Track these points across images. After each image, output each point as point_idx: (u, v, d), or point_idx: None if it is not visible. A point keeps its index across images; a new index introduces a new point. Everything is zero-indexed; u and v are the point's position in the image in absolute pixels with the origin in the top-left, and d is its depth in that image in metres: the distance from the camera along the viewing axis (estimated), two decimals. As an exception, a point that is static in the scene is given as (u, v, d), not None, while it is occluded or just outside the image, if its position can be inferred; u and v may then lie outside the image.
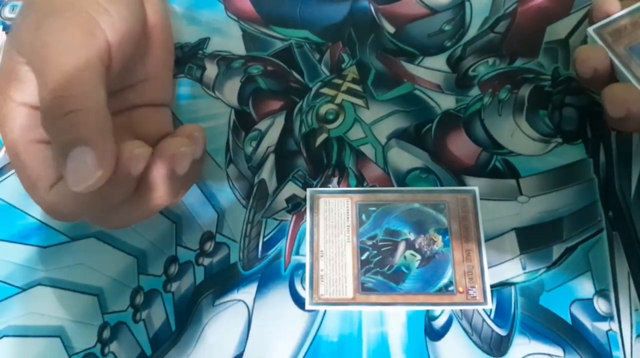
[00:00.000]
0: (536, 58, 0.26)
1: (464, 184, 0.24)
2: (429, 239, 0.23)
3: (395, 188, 0.24)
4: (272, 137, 0.25)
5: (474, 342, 0.21)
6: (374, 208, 0.23)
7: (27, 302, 0.22)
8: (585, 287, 0.22)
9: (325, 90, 0.26)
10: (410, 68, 0.26)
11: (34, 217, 0.24)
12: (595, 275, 0.22)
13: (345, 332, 0.21)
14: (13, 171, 0.25)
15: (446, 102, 0.25)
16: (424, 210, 0.23)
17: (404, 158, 0.24)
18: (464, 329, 0.21)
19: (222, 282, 0.22)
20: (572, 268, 0.22)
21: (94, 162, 0.17)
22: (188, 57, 0.27)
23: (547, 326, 0.21)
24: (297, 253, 0.23)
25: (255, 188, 0.24)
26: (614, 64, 0.22)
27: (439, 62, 0.26)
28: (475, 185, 0.23)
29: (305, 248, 0.23)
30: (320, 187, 0.24)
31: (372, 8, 0.27)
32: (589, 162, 0.24)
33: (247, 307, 0.22)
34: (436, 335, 0.21)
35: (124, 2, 0.19)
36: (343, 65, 0.26)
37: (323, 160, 0.24)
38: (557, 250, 0.22)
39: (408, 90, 0.25)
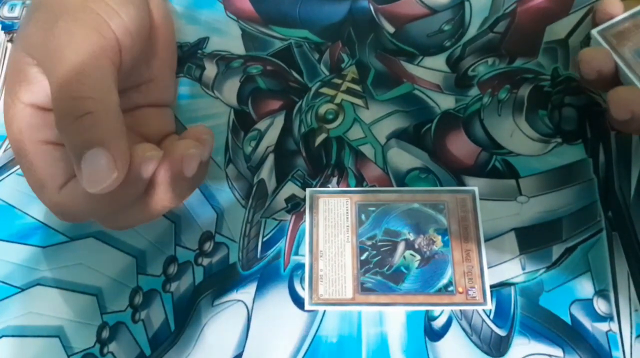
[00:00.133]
0: (536, 58, 0.26)
1: (463, 184, 0.24)
2: (429, 239, 0.23)
3: (395, 188, 0.24)
4: (271, 137, 0.25)
5: (473, 342, 0.21)
6: (373, 209, 0.23)
7: (26, 302, 0.22)
8: (584, 288, 0.22)
9: (324, 90, 0.26)
10: (410, 68, 0.26)
11: (33, 217, 0.24)
12: (595, 275, 0.22)
13: (345, 332, 0.21)
14: (12, 171, 0.25)
15: (446, 102, 0.25)
16: (423, 210, 0.23)
17: (403, 158, 0.24)
18: (464, 329, 0.21)
19: (222, 282, 0.22)
20: (571, 268, 0.22)
21: (110, 163, 0.17)
22: (187, 57, 0.26)
23: (546, 326, 0.21)
24: (297, 253, 0.23)
25: (254, 188, 0.24)
26: (618, 66, 0.22)
27: (438, 62, 0.26)
28: (475, 185, 0.23)
29: (305, 248, 0.23)
30: (320, 187, 0.24)
31: (371, 8, 0.27)
32: (588, 162, 0.24)
33: (247, 307, 0.22)
34: (436, 335, 0.21)
35: (133, 4, 0.19)
36: (342, 65, 0.26)
37: (322, 160, 0.24)
38: (556, 251, 0.22)
39: (407, 90, 0.25)
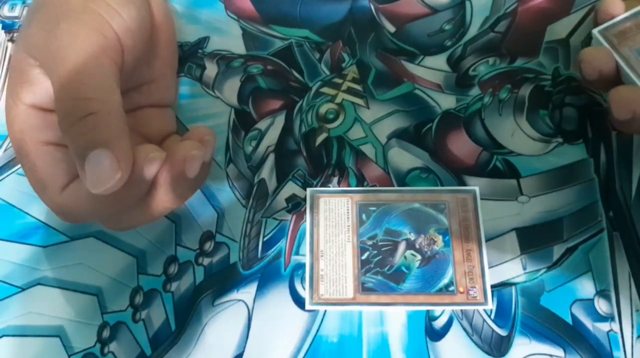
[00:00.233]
0: (536, 58, 0.26)
1: (464, 184, 0.24)
2: (429, 239, 0.22)
3: (396, 188, 0.24)
4: (272, 137, 0.25)
5: (474, 342, 0.21)
6: (374, 208, 0.23)
7: (27, 302, 0.22)
8: (585, 287, 0.22)
9: (325, 89, 0.26)
10: (411, 67, 0.26)
11: (33, 217, 0.24)
12: (596, 275, 0.22)
13: (345, 332, 0.21)
14: (12, 170, 0.25)
15: (446, 101, 0.25)
16: (424, 210, 0.23)
17: (404, 158, 0.24)
18: (465, 329, 0.21)
19: (222, 281, 0.22)
20: (572, 268, 0.22)
21: (113, 164, 0.17)
22: (188, 56, 0.26)
23: (547, 326, 0.21)
24: (297, 253, 0.23)
25: (255, 188, 0.24)
26: (619, 66, 0.22)
27: (439, 61, 0.26)
28: (476, 185, 0.23)
29: (305, 248, 0.23)
30: (320, 186, 0.24)
31: (372, 7, 0.27)
32: (589, 162, 0.24)
33: (247, 306, 0.22)
34: (436, 335, 0.21)
35: (133, 4, 0.19)
36: (343, 65, 0.26)
37: (323, 159, 0.24)
38: (557, 250, 0.22)
39: (408, 90, 0.25)
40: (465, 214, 0.23)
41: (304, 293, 0.22)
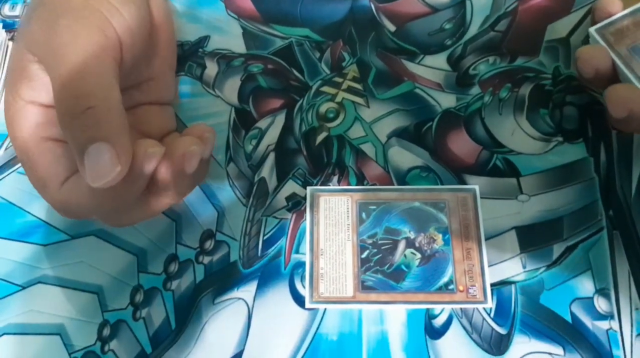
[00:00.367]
0: (537, 57, 0.26)
1: (464, 183, 0.24)
2: (429, 238, 0.23)
3: (396, 186, 0.24)
4: (272, 136, 0.25)
5: (474, 340, 0.21)
6: (374, 207, 0.23)
7: (27, 300, 0.22)
8: (585, 286, 0.22)
9: (325, 88, 0.26)
10: (411, 66, 0.26)
11: (33, 215, 0.24)
12: (596, 274, 0.22)
13: (345, 330, 0.21)
14: (13, 169, 0.25)
15: (447, 100, 0.25)
16: (424, 209, 0.23)
17: (404, 156, 0.24)
18: (464, 328, 0.21)
19: (222, 280, 0.22)
20: (572, 267, 0.22)
21: (113, 158, 0.17)
22: (188, 55, 0.26)
23: (547, 325, 0.21)
24: (297, 251, 0.23)
25: (255, 187, 0.24)
26: (615, 64, 0.22)
27: (439, 60, 0.26)
28: (476, 184, 0.23)
29: (305, 246, 0.23)
30: (321, 185, 0.24)
31: (372, 6, 0.27)
32: (589, 161, 0.24)
33: (247, 305, 0.22)
34: (436, 333, 0.21)
35: (133, 3, 0.19)
36: (343, 64, 0.26)
37: (323, 158, 0.24)
38: (557, 249, 0.22)
39: (408, 89, 0.25)
40: (465, 213, 0.23)
41: (304, 291, 0.22)
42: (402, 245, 0.22)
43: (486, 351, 0.21)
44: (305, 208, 0.23)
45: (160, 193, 0.19)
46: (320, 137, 0.25)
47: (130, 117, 0.21)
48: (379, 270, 0.22)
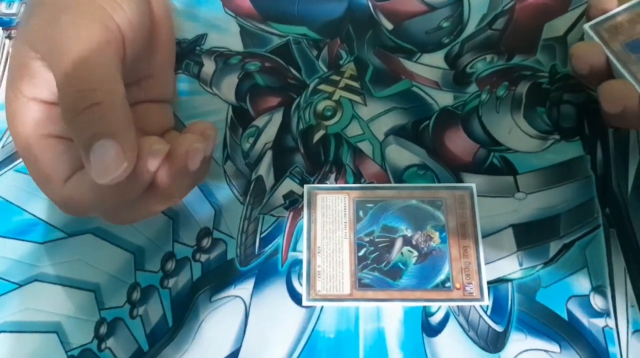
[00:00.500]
0: (534, 55, 0.26)
1: (461, 181, 0.24)
2: (426, 236, 0.23)
3: (393, 184, 0.24)
4: (269, 134, 0.25)
5: (470, 338, 0.21)
6: (371, 205, 0.23)
7: (24, 298, 0.22)
8: (581, 284, 0.22)
9: (322, 86, 0.26)
10: (408, 65, 0.26)
11: (31, 213, 0.24)
12: (592, 271, 0.22)
13: (342, 327, 0.21)
14: (10, 167, 0.25)
15: (444, 98, 0.25)
16: (421, 207, 0.23)
17: (401, 155, 0.24)
18: (461, 325, 0.21)
19: (219, 278, 0.22)
20: (568, 264, 0.22)
21: (119, 154, 0.17)
22: (186, 53, 0.26)
23: (543, 322, 0.21)
24: (294, 249, 0.23)
25: (252, 185, 0.24)
26: (610, 60, 0.22)
27: (436, 58, 0.26)
28: (473, 182, 0.23)
29: (303, 244, 0.23)
30: (318, 183, 0.24)
31: (370, 4, 0.27)
32: (586, 159, 0.24)
33: (244, 303, 0.22)
34: (433, 331, 0.21)
35: (135, 0, 0.19)
36: (341, 62, 0.26)
37: (320, 156, 0.24)
38: (554, 247, 0.22)
39: (406, 87, 0.25)
40: (462, 211, 0.23)
41: (301, 289, 0.22)
42: (399, 243, 0.22)
43: (483, 348, 0.21)
44: (302, 207, 0.23)
45: (164, 190, 0.19)
46: (317, 135, 0.25)
47: None
48: (376, 267, 0.22)
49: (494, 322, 0.21)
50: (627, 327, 0.21)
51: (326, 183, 0.24)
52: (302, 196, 0.23)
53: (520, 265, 0.22)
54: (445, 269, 0.22)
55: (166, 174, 0.19)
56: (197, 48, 0.27)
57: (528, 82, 0.25)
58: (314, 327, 0.21)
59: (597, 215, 0.23)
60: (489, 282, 0.22)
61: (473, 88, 0.25)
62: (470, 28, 0.26)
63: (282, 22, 0.27)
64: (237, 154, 0.25)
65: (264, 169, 0.24)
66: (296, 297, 0.22)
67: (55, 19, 0.18)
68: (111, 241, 0.23)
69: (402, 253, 0.22)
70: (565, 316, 0.21)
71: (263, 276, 0.22)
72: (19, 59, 0.19)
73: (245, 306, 0.22)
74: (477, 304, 0.21)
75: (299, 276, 0.22)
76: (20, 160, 0.24)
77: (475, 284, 0.22)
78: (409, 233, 0.23)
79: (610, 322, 0.21)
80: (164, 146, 0.18)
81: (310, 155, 0.24)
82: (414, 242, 0.22)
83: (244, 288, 0.22)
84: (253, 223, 0.23)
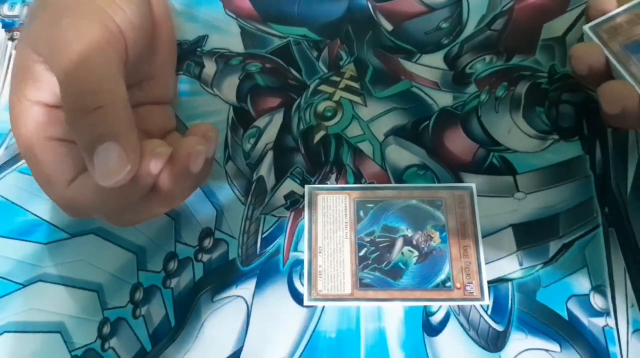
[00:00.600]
0: (533, 56, 0.26)
1: (461, 181, 0.24)
2: (427, 236, 0.23)
3: (393, 185, 0.24)
4: (270, 134, 0.25)
5: (471, 337, 0.21)
6: (372, 205, 0.23)
7: (28, 298, 0.22)
8: (582, 283, 0.22)
9: (323, 87, 0.26)
10: (408, 66, 0.26)
11: (34, 214, 0.24)
12: (592, 271, 0.22)
13: (344, 327, 0.21)
14: (13, 168, 0.25)
15: (444, 99, 0.25)
16: (421, 207, 0.23)
17: (401, 155, 0.24)
18: (462, 325, 0.21)
19: (221, 278, 0.22)
20: (568, 264, 0.22)
21: (122, 157, 0.17)
22: (187, 55, 0.27)
23: (544, 322, 0.21)
24: (296, 249, 0.23)
25: (254, 185, 0.24)
26: (609, 61, 0.22)
27: (436, 59, 0.26)
28: (473, 182, 0.24)
29: (304, 244, 0.23)
30: (319, 184, 0.24)
31: (370, 6, 0.27)
32: (585, 159, 0.24)
33: (246, 303, 0.22)
34: (434, 330, 0.21)
35: (136, 2, 0.19)
36: (341, 63, 0.26)
37: (321, 157, 0.24)
38: (554, 247, 0.22)
39: (406, 88, 0.26)
40: (463, 211, 0.23)
41: (303, 289, 0.22)
42: (399, 243, 0.23)
43: (483, 348, 0.21)
44: (303, 207, 0.23)
45: (167, 193, 0.19)
46: (318, 136, 0.25)
47: None
48: (377, 268, 0.22)
49: (495, 321, 0.21)
50: (628, 326, 0.21)
51: (327, 184, 0.24)
52: (303, 197, 0.24)
53: (521, 265, 0.22)
54: (446, 269, 0.22)
55: (168, 177, 0.19)
56: (199, 49, 0.27)
57: (527, 82, 0.25)
58: (316, 326, 0.21)
59: (597, 215, 0.23)
60: (489, 282, 0.22)
61: (472, 88, 0.26)
62: (469, 29, 0.27)
63: (282, 23, 0.27)
64: (239, 154, 0.25)
65: (265, 169, 0.24)
66: (298, 297, 0.22)
67: (56, 21, 0.18)
68: (114, 242, 0.23)
69: (402, 254, 0.22)
70: (565, 316, 0.21)
71: (265, 276, 0.22)
72: (22, 62, 0.19)
73: (247, 306, 0.22)
74: (477, 304, 0.22)
75: (301, 276, 0.22)
76: (24, 161, 0.24)
77: (475, 284, 0.22)
78: (409, 233, 0.23)
79: (611, 322, 0.21)
80: (166, 149, 0.19)
81: (311, 156, 0.24)
82: (414, 242, 0.23)
83: (246, 289, 0.22)
84: (255, 223, 0.23)
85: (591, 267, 0.22)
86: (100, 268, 0.23)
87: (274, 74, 0.26)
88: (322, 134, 0.25)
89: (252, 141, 0.25)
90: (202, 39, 0.27)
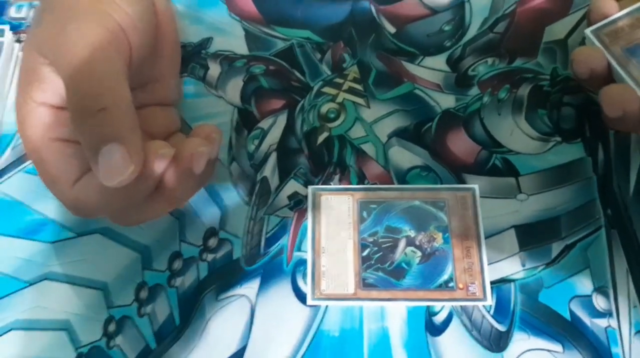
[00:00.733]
0: (535, 58, 0.26)
1: (463, 182, 0.24)
2: (429, 236, 0.23)
3: (396, 186, 0.24)
4: (274, 136, 0.25)
5: (473, 337, 0.21)
6: (374, 206, 0.23)
7: (34, 296, 0.22)
8: (584, 284, 0.22)
9: (326, 89, 0.26)
10: (411, 68, 0.26)
11: (40, 213, 0.24)
12: (594, 272, 0.22)
13: (347, 326, 0.21)
14: (20, 168, 0.25)
15: (446, 101, 0.25)
16: (424, 208, 0.23)
17: (404, 156, 0.24)
18: (464, 325, 0.21)
19: (225, 277, 0.23)
20: (570, 265, 0.22)
21: (126, 157, 0.17)
22: (191, 57, 0.27)
23: (546, 322, 0.21)
24: (299, 249, 0.23)
25: (257, 186, 0.24)
26: (610, 64, 0.22)
27: (438, 61, 0.26)
28: (475, 183, 0.24)
29: (307, 244, 0.23)
30: (322, 184, 0.24)
31: (372, 8, 0.27)
32: (587, 161, 0.24)
33: (250, 302, 0.22)
34: (436, 330, 0.21)
35: (139, 3, 0.20)
36: (344, 65, 0.26)
37: (324, 158, 0.25)
38: (556, 248, 0.22)
39: (408, 90, 0.26)
40: (465, 212, 0.23)
41: (306, 288, 0.22)
42: (402, 244, 0.23)
43: (486, 348, 0.21)
44: (306, 207, 0.24)
45: (170, 193, 0.20)
46: (321, 137, 0.25)
47: None
48: (380, 267, 0.22)
49: (497, 321, 0.21)
50: (630, 327, 0.21)
51: (330, 185, 0.24)
52: (306, 197, 0.24)
53: (523, 265, 0.22)
54: (449, 269, 0.22)
55: (172, 177, 0.19)
56: (203, 51, 0.27)
57: (529, 84, 0.26)
58: (319, 326, 0.21)
59: (599, 217, 0.23)
60: (491, 282, 0.22)
61: (475, 90, 0.26)
62: (471, 31, 0.27)
63: (285, 25, 0.27)
64: (242, 155, 0.25)
65: (269, 170, 0.24)
66: (301, 297, 0.22)
67: (61, 24, 0.19)
68: (119, 241, 0.23)
69: (405, 254, 0.23)
70: (567, 316, 0.21)
71: (268, 275, 0.22)
72: (28, 64, 0.19)
73: (251, 305, 0.22)
74: (480, 304, 0.22)
75: (304, 276, 0.22)
76: (30, 161, 0.25)
77: (478, 284, 0.22)
78: (412, 233, 0.23)
79: (613, 322, 0.21)
80: (169, 150, 0.19)
81: (314, 157, 0.25)
82: (417, 243, 0.23)
83: (250, 288, 0.22)
84: (258, 223, 0.23)
85: (593, 268, 0.22)
86: (106, 267, 0.23)
87: (277, 76, 0.26)
88: (325, 135, 0.25)
89: (256, 142, 0.25)
90: (206, 41, 0.27)
